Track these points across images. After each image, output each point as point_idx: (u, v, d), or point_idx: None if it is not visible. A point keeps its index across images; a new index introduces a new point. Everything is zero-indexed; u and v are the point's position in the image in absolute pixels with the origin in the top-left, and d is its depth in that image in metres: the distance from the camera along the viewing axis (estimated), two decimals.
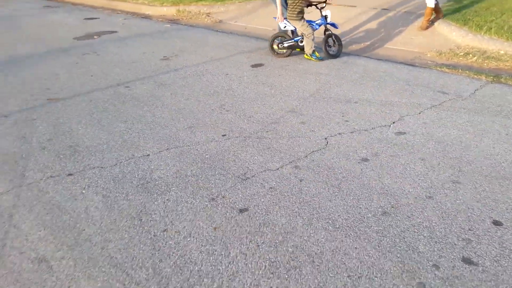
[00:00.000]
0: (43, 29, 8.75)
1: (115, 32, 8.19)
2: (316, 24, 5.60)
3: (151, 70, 5.66)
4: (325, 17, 5.57)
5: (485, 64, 5.39)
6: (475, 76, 4.88)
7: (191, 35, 7.73)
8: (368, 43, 6.64)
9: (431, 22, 6.80)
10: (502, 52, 5.62)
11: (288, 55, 5.89)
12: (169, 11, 10.41)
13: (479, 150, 3.24)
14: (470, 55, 5.66)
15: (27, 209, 2.81)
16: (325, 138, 3.54)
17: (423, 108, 4.04)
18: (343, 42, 5.94)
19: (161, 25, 8.85)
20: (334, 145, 3.43)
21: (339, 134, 3.62)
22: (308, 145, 3.44)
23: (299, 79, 5.04)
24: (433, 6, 6.52)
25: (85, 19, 9.76)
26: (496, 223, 2.44)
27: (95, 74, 5.62)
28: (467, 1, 7.88)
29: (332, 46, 5.72)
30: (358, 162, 3.15)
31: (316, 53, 5.61)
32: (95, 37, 7.83)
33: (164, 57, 6.27)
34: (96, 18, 9.82)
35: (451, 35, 6.45)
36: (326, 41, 5.61)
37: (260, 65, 5.69)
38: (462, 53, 5.76)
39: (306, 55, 5.69)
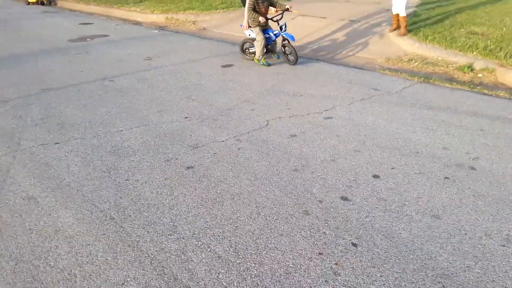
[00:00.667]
0: (41, 31, 9.59)
1: (107, 36, 9.03)
2: (274, 34, 6.33)
3: (134, 68, 6.48)
4: (281, 27, 6.21)
5: (424, 68, 6.23)
6: (409, 77, 5.72)
7: (175, 40, 8.58)
8: (331, 50, 7.49)
9: (395, 30, 7.63)
10: (440, 58, 6.47)
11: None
12: (158, 18, 11.29)
13: (385, 131, 4.05)
14: (413, 61, 6.52)
15: (21, 166, 3.59)
16: (267, 121, 4.35)
17: (354, 101, 4.87)
18: (311, 49, 6.75)
19: (150, 31, 9.71)
20: (272, 125, 4.24)
21: (279, 118, 4.43)
22: (252, 125, 4.25)
23: (259, 77, 5.87)
24: (405, 15, 7.37)
25: (80, 24, 10.61)
26: (375, 176, 3.24)
27: (85, 70, 6.43)
28: (425, 15, 8.77)
29: (289, 55, 6.44)
30: (288, 137, 3.96)
31: (263, 59, 6.35)
32: (88, 39, 8.67)
33: (147, 57, 7.09)
34: (90, 23, 10.67)
35: (402, 44, 7.32)
36: (283, 50, 6.40)
37: (230, 65, 6.52)
38: (406, 59, 6.62)
39: (255, 59, 6.46)
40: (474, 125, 4.13)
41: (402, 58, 6.69)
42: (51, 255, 2.53)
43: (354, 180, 3.21)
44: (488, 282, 2.23)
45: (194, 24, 10.39)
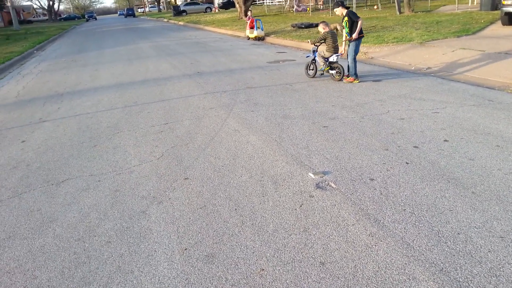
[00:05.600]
0: (249, 57, 13.16)
1: (294, 60, 11.93)
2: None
3: (308, 80, 9.00)
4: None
5: None
6: None
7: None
8: (475, 75, 8.62)
9: None
10: None
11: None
12: None
13: (476, 123, 5.44)
14: None
15: (231, 118, 6.31)
16: (388, 110, 6.18)
17: (465, 105, 6.24)
18: (457, 73, 8.15)
19: None
20: (391, 113, 6.05)
21: (398, 110, 6.19)
22: (377, 111, 6.15)
23: (396, 88, 7.62)
24: None
25: (277, 52, 13.92)
26: (446, 140, 4.81)
27: (275, 79, 9.25)
28: None
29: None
30: (398, 119, 5.73)
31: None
32: (280, 62, 11.70)
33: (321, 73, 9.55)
34: (284, 52, 13.87)
35: None
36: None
37: (379, 81, 8.42)
38: None
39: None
40: None
41: None
42: (243, 149, 5.00)
43: (428, 140, 4.85)
44: None
45: (365, 54, 12.51)
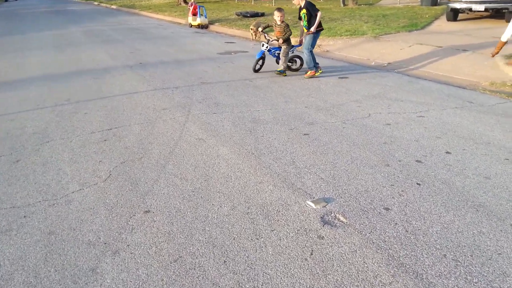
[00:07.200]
0: (196, 46, 12.00)
1: (247, 52, 11.00)
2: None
3: (268, 74, 8.14)
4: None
5: None
6: (506, 97, 6.35)
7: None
8: (439, 72, 8.29)
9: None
10: None
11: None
12: None
13: (466, 128, 4.92)
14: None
15: (191, 123, 5.29)
16: (369, 113, 5.51)
17: (447, 107, 5.76)
18: (421, 70, 7.73)
19: None
20: (373, 117, 5.39)
21: (380, 113, 5.55)
22: (356, 115, 5.45)
23: (368, 86, 7.02)
24: (505, 40, 7.89)
25: (225, 42, 12.88)
26: (448, 152, 4.20)
27: (230, 73, 8.27)
28: None
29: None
30: (383, 125, 5.08)
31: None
32: (232, 53, 10.72)
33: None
34: (233, 43, 12.88)
35: (511, 71, 7.82)
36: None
37: (345, 77, 7.79)
38: (510, 84, 7.17)
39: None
40: None
41: (506, 83, 7.25)
42: (215, 166, 4.05)
43: (430, 153, 4.22)
44: None
45: (319, 47, 11.89)
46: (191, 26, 17.88)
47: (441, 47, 10.11)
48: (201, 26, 17.53)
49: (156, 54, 10.71)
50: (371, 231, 2.91)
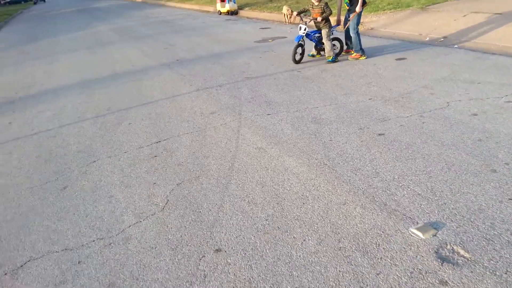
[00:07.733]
0: (230, 35, 11.38)
1: (285, 37, 10.29)
2: None
3: (316, 62, 7.44)
4: None
5: None
6: None
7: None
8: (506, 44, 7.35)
9: None
10: None
11: None
12: None
13: None
14: None
15: (246, 128, 4.74)
16: (447, 102, 4.78)
17: None
18: (483, 43, 6.83)
19: None
20: (453, 106, 4.66)
21: (459, 100, 4.81)
22: (433, 105, 4.74)
23: (434, 68, 6.23)
24: None
25: (260, 28, 12.19)
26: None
27: (274, 64, 7.64)
28: None
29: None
30: (469, 116, 4.35)
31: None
32: (269, 40, 10.04)
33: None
34: (268, 28, 12.17)
35: None
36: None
37: (403, 59, 7.00)
38: None
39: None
40: None
41: None
42: (285, 183, 3.49)
43: None
44: None
45: (362, 24, 11.01)
46: (220, 13, 17.25)
47: (500, 13, 9.04)
48: (230, 13, 16.86)
49: (191, 48, 10.20)
50: (507, 270, 2.29)
